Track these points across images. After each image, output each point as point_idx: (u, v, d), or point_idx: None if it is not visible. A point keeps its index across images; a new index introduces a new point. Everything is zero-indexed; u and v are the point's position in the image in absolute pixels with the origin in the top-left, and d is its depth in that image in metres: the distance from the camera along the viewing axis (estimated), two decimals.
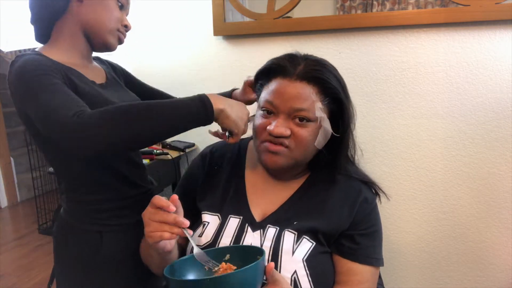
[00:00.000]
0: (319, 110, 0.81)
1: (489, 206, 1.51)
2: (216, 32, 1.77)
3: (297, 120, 0.81)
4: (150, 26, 1.91)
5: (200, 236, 0.86)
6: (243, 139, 1.02)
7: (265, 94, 0.84)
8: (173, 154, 1.76)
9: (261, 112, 0.85)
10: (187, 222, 0.70)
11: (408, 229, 1.64)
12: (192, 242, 0.75)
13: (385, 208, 1.65)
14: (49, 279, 2.09)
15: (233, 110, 0.83)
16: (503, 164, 1.48)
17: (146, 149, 1.74)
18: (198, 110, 0.79)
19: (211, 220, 0.87)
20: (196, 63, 1.86)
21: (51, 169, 1.80)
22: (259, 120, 0.85)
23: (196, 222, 0.91)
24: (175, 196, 0.73)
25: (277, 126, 0.80)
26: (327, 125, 0.83)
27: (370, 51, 1.57)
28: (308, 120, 0.81)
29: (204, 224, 0.87)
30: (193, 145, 1.89)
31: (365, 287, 0.84)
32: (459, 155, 1.53)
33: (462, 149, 1.52)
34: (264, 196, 0.90)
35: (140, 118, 0.75)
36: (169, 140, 1.89)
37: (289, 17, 1.68)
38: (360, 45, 1.58)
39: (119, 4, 0.97)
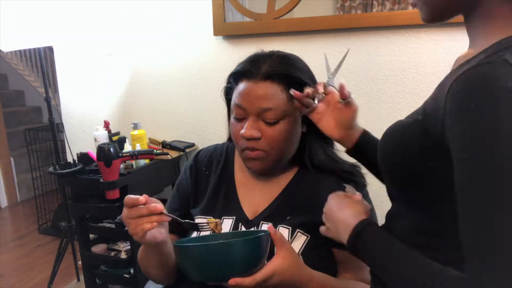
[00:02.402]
0: (287, 105, 0.82)
1: None
2: (216, 32, 1.77)
3: (266, 121, 0.82)
4: (150, 26, 1.91)
5: None
6: (230, 142, 1.02)
7: (234, 98, 0.85)
8: (173, 154, 1.76)
9: (233, 118, 0.86)
10: (160, 206, 0.72)
11: None
12: (179, 220, 0.80)
13: (385, 208, 1.65)
14: (49, 279, 2.08)
15: None
16: None
17: (146, 149, 1.74)
18: None
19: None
20: (196, 63, 1.86)
21: (51, 169, 1.79)
22: (233, 128, 0.86)
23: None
24: (145, 196, 0.74)
25: (247, 128, 0.81)
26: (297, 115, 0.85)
27: (370, 51, 1.57)
28: (277, 120, 0.82)
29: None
30: (193, 145, 1.89)
31: (366, 271, 0.82)
32: None
33: None
34: (255, 194, 0.91)
35: None
36: (169, 140, 1.90)
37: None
38: (360, 45, 1.58)
39: None
